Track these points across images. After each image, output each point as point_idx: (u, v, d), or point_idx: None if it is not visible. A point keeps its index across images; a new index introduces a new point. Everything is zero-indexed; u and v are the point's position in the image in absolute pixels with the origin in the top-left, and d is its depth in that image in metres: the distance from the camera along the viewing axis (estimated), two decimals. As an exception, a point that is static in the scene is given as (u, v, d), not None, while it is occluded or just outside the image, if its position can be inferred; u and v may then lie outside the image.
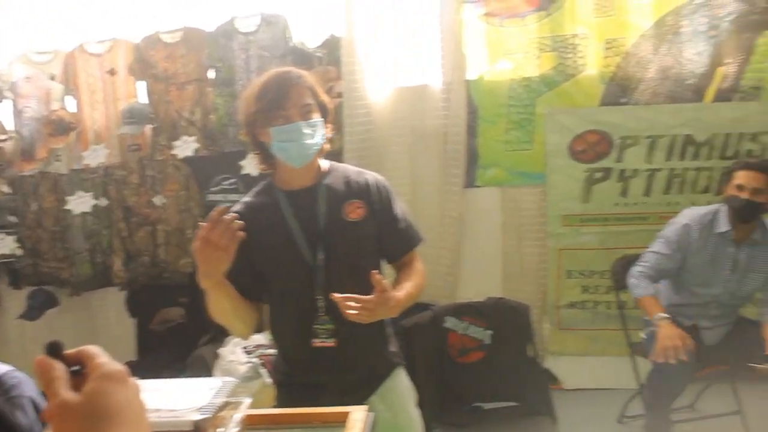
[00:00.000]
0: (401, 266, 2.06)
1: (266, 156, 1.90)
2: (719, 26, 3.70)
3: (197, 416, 1.08)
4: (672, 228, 3.05)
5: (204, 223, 1.64)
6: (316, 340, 1.89)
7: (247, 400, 1.23)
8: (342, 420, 1.31)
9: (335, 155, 3.71)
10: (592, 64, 3.75)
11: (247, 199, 1.97)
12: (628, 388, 3.42)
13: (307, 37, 3.88)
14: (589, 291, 3.91)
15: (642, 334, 3.22)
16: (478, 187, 3.90)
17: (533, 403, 2.80)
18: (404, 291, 1.91)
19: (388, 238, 2.00)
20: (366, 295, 1.91)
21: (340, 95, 3.79)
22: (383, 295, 1.76)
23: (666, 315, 2.96)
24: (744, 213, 2.89)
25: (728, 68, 3.75)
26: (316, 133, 1.83)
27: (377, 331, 2.01)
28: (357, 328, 1.90)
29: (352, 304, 1.74)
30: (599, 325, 3.92)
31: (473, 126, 3.82)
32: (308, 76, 1.88)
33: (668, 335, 2.86)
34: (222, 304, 1.79)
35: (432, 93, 3.81)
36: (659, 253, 3.06)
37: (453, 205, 3.86)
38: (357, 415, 1.31)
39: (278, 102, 1.80)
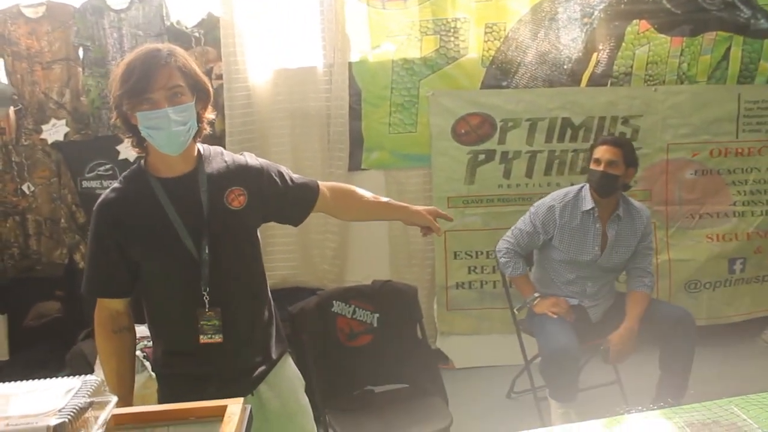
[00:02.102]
0: (328, 205, 2.05)
1: (140, 139, 1.76)
2: (592, 14, 3.84)
3: (54, 421, 0.96)
4: (538, 209, 3.19)
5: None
6: (203, 337, 1.80)
7: (114, 399, 1.14)
8: (219, 414, 1.23)
9: (217, 139, 3.61)
10: (473, 48, 3.80)
11: (117, 185, 1.82)
12: (515, 365, 3.53)
13: (184, 15, 3.72)
14: (476, 271, 3.98)
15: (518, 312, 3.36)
16: (363, 170, 3.88)
17: (423, 383, 2.82)
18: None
19: (287, 206, 1.95)
20: (250, 288, 1.90)
21: (220, 77, 3.67)
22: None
23: (538, 294, 3.17)
24: (601, 185, 3.05)
25: (601, 54, 3.90)
26: (188, 119, 1.71)
27: (264, 322, 1.95)
28: (243, 322, 1.86)
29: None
30: (486, 304, 4.00)
31: (357, 109, 3.80)
32: (181, 55, 1.74)
33: (545, 306, 3.12)
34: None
35: (314, 75, 3.75)
36: (524, 231, 3.21)
37: (338, 189, 3.81)
38: (233, 408, 1.24)
39: (143, 85, 1.66)
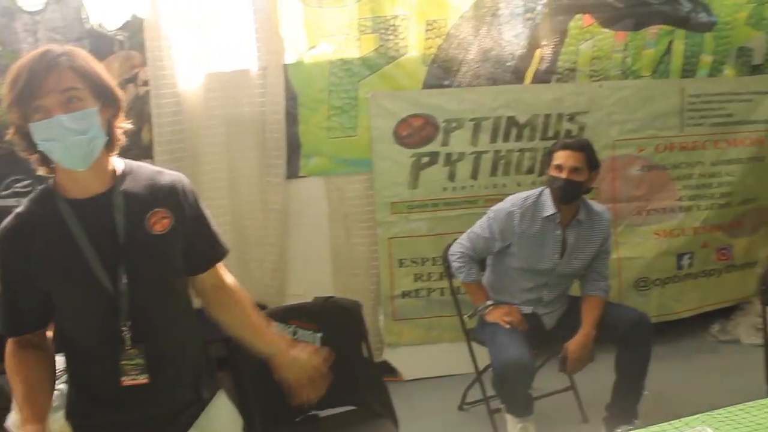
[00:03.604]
0: (212, 288, 1.81)
1: (43, 157, 1.54)
2: (535, 9, 3.76)
3: None
4: (497, 214, 3.04)
5: None
6: (126, 378, 1.60)
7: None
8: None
9: (145, 149, 3.39)
10: (414, 46, 3.66)
11: (21, 210, 1.61)
12: (466, 374, 3.43)
13: (106, 17, 3.45)
14: (422, 279, 3.85)
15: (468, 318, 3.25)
16: (302, 177, 3.70)
17: (371, 405, 2.67)
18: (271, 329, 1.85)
19: (195, 246, 1.73)
20: (177, 320, 1.70)
21: (146, 83, 3.44)
22: None
23: (491, 302, 3.04)
24: (564, 193, 2.90)
25: (545, 50, 3.83)
26: (89, 128, 1.49)
27: (193, 357, 1.76)
28: (171, 359, 1.67)
29: None
30: (434, 312, 3.88)
31: (293, 113, 3.61)
32: (79, 55, 1.52)
33: (497, 315, 2.98)
34: None
35: (247, 79, 3.54)
36: (480, 236, 3.07)
37: (275, 198, 3.63)
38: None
39: (31, 89, 1.44)
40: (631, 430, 1.63)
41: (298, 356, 1.81)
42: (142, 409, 1.65)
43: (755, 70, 4.14)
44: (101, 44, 3.40)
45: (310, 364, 1.81)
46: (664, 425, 1.65)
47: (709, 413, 1.72)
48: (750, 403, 1.78)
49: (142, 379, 1.61)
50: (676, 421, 1.67)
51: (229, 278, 1.85)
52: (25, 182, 3.44)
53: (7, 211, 3.48)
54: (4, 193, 3.44)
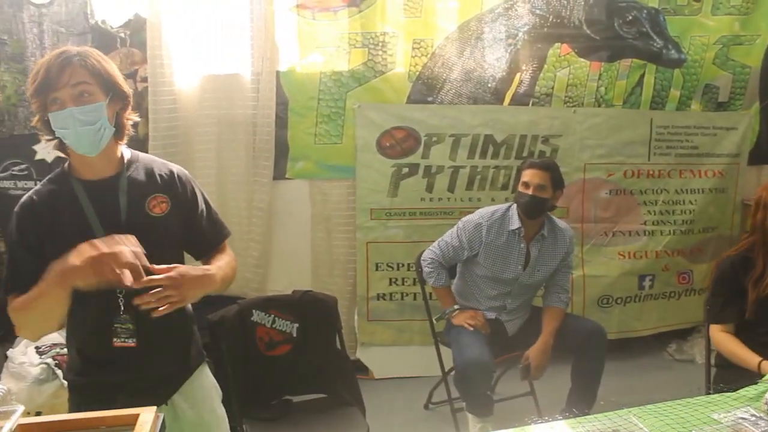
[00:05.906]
0: (212, 258, 2.01)
1: (61, 142, 1.76)
2: (516, 35, 3.95)
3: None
4: (466, 225, 3.22)
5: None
6: (116, 340, 1.79)
7: (20, 408, 1.11)
8: (131, 423, 1.20)
9: (140, 142, 3.55)
10: (401, 63, 3.85)
11: (39, 187, 1.82)
12: (434, 376, 3.58)
13: (110, 14, 3.63)
14: (396, 283, 4.02)
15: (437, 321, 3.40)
16: (288, 179, 3.88)
17: (341, 394, 2.82)
18: (216, 265, 1.90)
19: (196, 232, 1.94)
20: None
21: (146, 80, 3.61)
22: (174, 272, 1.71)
23: (458, 306, 3.23)
24: (529, 208, 3.10)
25: (524, 75, 4.02)
26: (97, 119, 1.70)
27: (180, 328, 1.95)
28: (159, 327, 1.82)
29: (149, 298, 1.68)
30: (406, 315, 4.04)
31: (283, 118, 3.79)
32: (93, 55, 1.73)
33: (462, 318, 3.17)
34: (53, 309, 1.70)
35: (242, 83, 3.73)
36: (450, 244, 3.24)
37: (262, 197, 3.81)
38: (145, 416, 1.21)
39: (48, 85, 1.66)
40: (569, 416, 1.80)
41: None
42: (131, 373, 1.83)
43: (720, 106, 4.36)
44: (104, 40, 3.58)
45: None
46: (598, 415, 1.79)
47: (639, 407, 1.83)
48: (678, 400, 1.88)
49: (131, 343, 1.80)
50: (610, 412, 1.81)
51: (229, 252, 2.04)
52: (22, 166, 3.60)
53: (5, 192, 3.65)
54: (1, 175, 3.59)
